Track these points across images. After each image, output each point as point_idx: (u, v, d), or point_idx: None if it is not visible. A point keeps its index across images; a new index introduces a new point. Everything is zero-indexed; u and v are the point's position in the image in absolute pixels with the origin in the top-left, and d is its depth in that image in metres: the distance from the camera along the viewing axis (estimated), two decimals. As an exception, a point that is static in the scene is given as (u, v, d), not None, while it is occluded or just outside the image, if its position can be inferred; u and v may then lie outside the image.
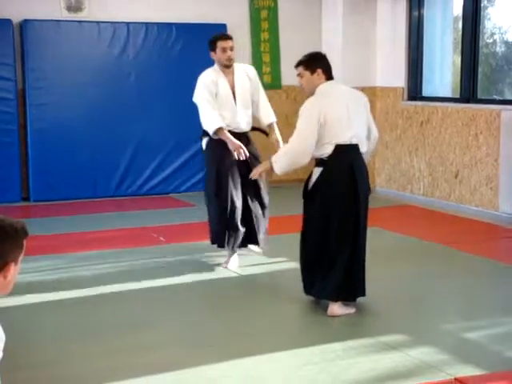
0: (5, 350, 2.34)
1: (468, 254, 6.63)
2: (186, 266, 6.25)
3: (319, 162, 5.03)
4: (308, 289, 5.17)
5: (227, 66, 6.12)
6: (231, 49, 6.08)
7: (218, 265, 6.23)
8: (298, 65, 5.12)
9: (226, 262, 6.19)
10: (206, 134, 6.14)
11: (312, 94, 5.05)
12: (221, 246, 6.19)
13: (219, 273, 6.05)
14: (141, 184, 9.65)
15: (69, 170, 9.27)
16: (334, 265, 4.95)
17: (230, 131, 6.04)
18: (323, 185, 4.99)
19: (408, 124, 9.36)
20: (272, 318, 5.04)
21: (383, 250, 6.77)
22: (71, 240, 7.24)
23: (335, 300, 4.98)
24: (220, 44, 6.06)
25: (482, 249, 6.82)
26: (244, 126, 6.19)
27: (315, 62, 5.05)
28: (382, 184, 9.89)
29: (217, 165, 6.07)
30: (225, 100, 6.08)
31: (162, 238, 7.25)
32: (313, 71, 5.03)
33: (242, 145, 5.94)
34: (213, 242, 6.28)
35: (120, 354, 4.37)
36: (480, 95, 8.61)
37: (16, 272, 2.31)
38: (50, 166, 9.19)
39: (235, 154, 5.92)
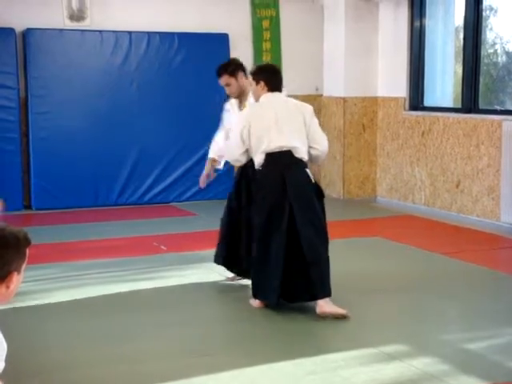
0: (6, 357, 2.34)
1: (469, 263, 6.62)
2: (186, 275, 6.25)
3: (257, 171, 5.31)
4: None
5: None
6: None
7: (219, 275, 6.22)
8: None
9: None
10: None
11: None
12: None
13: (219, 283, 6.04)
14: (142, 193, 9.65)
15: (71, 178, 9.27)
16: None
17: None
18: (256, 195, 5.29)
19: (409, 134, 9.36)
20: (272, 327, 5.03)
21: (384, 260, 6.77)
22: (72, 249, 7.23)
23: (254, 297, 5.29)
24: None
25: (483, 259, 6.82)
26: None
27: (260, 74, 5.42)
28: (383, 194, 9.88)
29: None
30: None
31: (163, 247, 7.24)
32: (257, 82, 5.38)
33: None
34: None
35: (119, 362, 4.35)
36: (481, 105, 8.60)
37: (19, 281, 2.30)
38: (51, 175, 9.19)
39: None
